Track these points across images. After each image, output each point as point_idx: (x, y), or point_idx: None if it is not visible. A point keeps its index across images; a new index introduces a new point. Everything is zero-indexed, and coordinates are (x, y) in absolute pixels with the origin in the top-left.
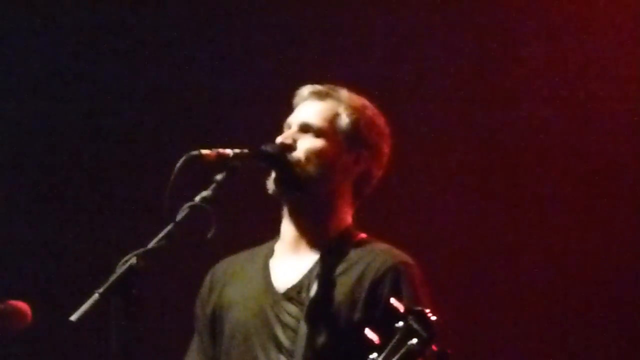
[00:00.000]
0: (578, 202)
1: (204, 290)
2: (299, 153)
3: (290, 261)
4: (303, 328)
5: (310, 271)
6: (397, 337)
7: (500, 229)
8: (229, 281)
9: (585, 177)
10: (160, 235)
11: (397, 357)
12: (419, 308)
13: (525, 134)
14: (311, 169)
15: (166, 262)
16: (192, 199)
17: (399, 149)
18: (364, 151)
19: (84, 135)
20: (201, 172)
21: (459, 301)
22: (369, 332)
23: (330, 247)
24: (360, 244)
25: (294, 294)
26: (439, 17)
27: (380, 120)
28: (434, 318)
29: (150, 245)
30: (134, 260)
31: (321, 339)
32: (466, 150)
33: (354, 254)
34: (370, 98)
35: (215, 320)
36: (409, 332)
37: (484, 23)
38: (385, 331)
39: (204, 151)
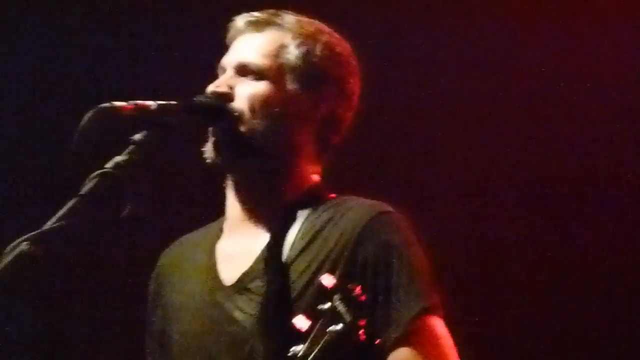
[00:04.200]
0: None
1: (152, 287)
2: (239, 103)
3: (240, 243)
4: (259, 326)
5: (264, 252)
6: (320, 322)
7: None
8: (173, 277)
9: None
10: (60, 213)
11: (317, 348)
12: (347, 285)
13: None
14: (257, 122)
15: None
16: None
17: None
18: (324, 88)
19: None
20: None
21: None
22: (297, 320)
23: (288, 217)
24: (328, 205)
25: (246, 283)
26: (436, 14)
27: (343, 47)
28: (362, 297)
29: (46, 226)
30: (24, 245)
31: (281, 337)
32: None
33: (319, 219)
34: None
35: (164, 333)
36: (333, 316)
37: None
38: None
39: (118, 103)
